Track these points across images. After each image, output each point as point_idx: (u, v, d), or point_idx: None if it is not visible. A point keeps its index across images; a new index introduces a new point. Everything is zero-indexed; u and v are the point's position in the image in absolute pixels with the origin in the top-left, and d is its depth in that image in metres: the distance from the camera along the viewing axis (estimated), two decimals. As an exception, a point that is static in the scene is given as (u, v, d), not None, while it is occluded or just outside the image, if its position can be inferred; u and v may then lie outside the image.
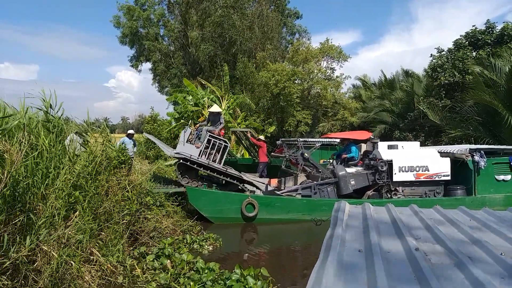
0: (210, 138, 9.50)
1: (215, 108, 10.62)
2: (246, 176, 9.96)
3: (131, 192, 6.45)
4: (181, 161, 9.48)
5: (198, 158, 9.35)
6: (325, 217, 8.42)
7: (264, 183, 9.92)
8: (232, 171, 9.68)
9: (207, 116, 18.00)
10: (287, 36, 32.29)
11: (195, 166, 9.48)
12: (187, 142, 9.53)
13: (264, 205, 9.20)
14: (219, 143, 9.52)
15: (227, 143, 9.69)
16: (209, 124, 10.24)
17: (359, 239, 2.28)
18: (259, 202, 9.15)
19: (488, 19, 18.66)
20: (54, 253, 4.27)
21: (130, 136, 11.19)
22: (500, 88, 14.29)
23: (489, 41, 17.61)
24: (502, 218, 2.73)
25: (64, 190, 5.02)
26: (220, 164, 9.52)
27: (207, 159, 9.43)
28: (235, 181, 9.72)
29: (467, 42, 18.35)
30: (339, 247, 2.03)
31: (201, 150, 9.41)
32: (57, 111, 6.02)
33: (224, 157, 9.63)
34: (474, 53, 18.20)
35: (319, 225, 8.52)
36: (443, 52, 19.16)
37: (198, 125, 10.61)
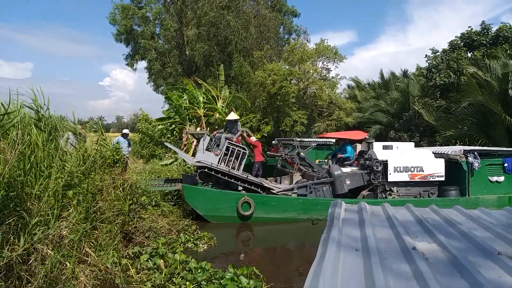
0: (229, 146, 9.56)
1: (232, 116, 10.65)
2: (266, 182, 9.97)
3: (125, 191, 6.41)
4: (206, 169, 9.50)
5: (218, 165, 9.41)
6: (321, 216, 8.44)
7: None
8: (251, 177, 9.71)
9: (202, 115, 18.01)
10: (284, 35, 32.15)
11: (219, 175, 9.55)
12: (206, 150, 9.57)
13: (260, 204, 9.19)
14: (237, 150, 9.58)
15: (246, 150, 9.75)
16: (226, 132, 10.29)
17: (356, 238, 2.28)
18: (255, 201, 9.13)
19: (483, 21, 18.76)
20: (49, 251, 4.22)
21: (125, 135, 11.16)
22: (494, 89, 14.35)
23: (485, 41, 17.70)
24: (497, 218, 2.74)
25: (58, 189, 4.97)
26: (239, 171, 9.57)
27: (226, 166, 9.49)
28: (258, 189, 9.74)
29: (462, 43, 18.46)
30: (336, 246, 2.02)
31: (220, 158, 9.45)
32: (46, 110, 5.95)
33: (243, 164, 9.68)
34: (469, 54, 18.30)
35: (315, 224, 8.54)
36: (438, 53, 19.25)
37: (215, 132, 10.64)
